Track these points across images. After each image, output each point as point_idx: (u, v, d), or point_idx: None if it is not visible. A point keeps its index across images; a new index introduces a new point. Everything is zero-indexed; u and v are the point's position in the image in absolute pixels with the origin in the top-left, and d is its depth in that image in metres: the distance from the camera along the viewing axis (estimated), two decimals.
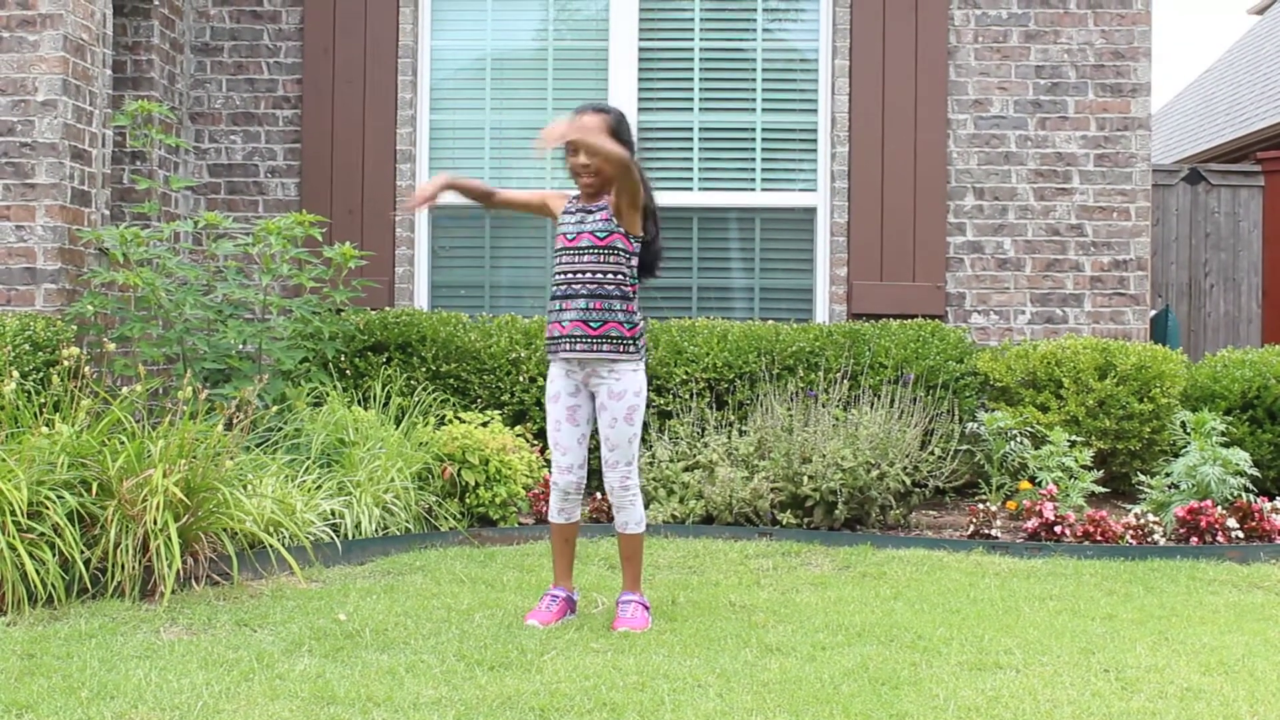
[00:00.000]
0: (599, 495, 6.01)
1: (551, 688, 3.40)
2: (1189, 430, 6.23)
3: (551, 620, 4.15)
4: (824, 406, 6.10)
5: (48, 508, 4.29)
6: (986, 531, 5.72)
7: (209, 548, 4.54)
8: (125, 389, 5.08)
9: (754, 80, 7.60)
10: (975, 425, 6.42)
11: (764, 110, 7.59)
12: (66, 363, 4.87)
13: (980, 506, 5.82)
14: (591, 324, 4.12)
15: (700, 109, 7.60)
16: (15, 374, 4.73)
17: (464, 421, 6.01)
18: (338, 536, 5.12)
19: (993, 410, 6.56)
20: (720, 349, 6.63)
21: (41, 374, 5.29)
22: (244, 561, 4.65)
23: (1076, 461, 6.05)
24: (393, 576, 4.82)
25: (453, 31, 7.66)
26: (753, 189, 7.59)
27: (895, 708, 3.28)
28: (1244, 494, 5.84)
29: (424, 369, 6.58)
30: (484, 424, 6.05)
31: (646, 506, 5.83)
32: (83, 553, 4.30)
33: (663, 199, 7.36)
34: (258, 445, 5.43)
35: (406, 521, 5.46)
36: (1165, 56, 43.34)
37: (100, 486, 4.48)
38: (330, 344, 6.27)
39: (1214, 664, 3.75)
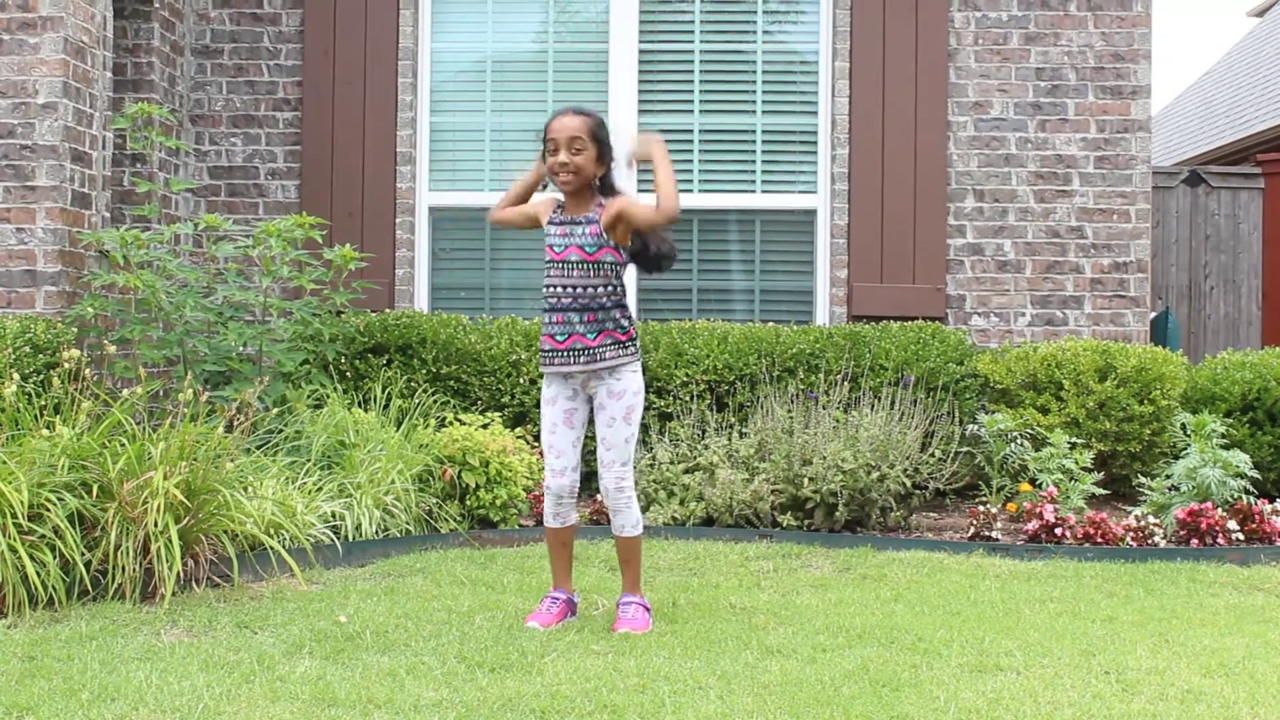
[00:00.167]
0: (598, 497, 6.01)
1: (552, 690, 3.40)
2: (1189, 432, 6.23)
3: (552, 622, 4.15)
4: (824, 408, 6.10)
5: (48, 510, 4.29)
6: (987, 533, 5.72)
7: (209, 550, 4.54)
8: (126, 391, 5.08)
9: (754, 82, 7.61)
10: (975, 427, 6.42)
11: (764, 112, 7.60)
12: (67, 365, 4.87)
13: (981, 508, 5.82)
14: (588, 336, 4.12)
15: (700, 111, 7.60)
16: (16, 376, 4.73)
17: (464, 423, 6.01)
18: (338, 538, 5.12)
19: (993, 412, 6.56)
20: (721, 351, 6.63)
21: (42, 376, 5.29)
22: (244, 563, 4.65)
23: (1077, 463, 6.05)
24: (393, 578, 4.82)
25: (453, 33, 7.67)
26: (753, 191, 7.59)
27: (896, 710, 3.28)
28: (1244, 496, 5.84)
29: (424, 371, 6.59)
30: (484, 426, 6.05)
31: (647, 508, 5.83)
32: (83, 555, 4.29)
33: None
34: (258, 447, 5.43)
35: (407, 523, 5.46)
36: (1165, 59, 43.37)
37: (101, 488, 4.48)
38: (331, 346, 6.27)
39: (1214, 666, 3.75)
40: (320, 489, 5.32)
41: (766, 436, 6.07)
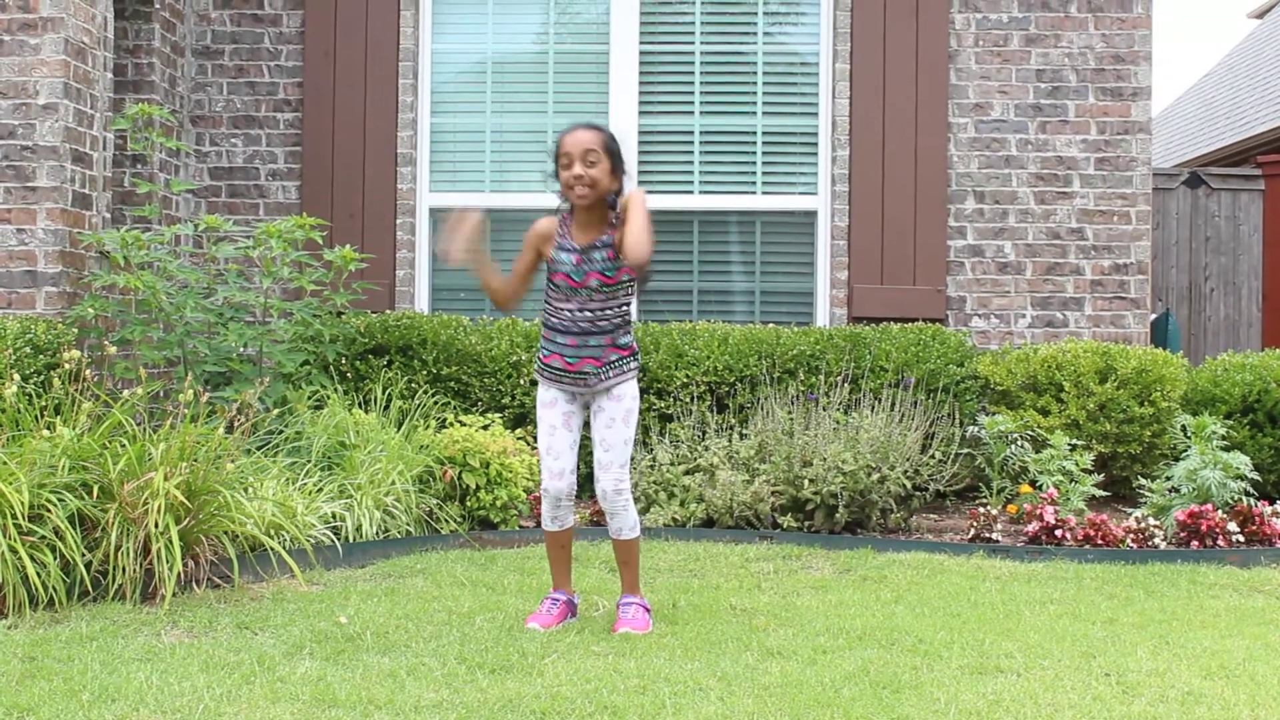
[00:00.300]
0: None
1: (553, 691, 3.40)
2: (1189, 434, 6.23)
3: (552, 623, 4.15)
4: (825, 410, 6.10)
5: (49, 510, 4.29)
6: (987, 535, 5.72)
7: (210, 550, 4.54)
8: (126, 392, 5.08)
9: (755, 84, 7.61)
10: (976, 429, 6.42)
11: (765, 114, 7.60)
12: (67, 366, 4.87)
13: (981, 510, 5.82)
14: (598, 356, 4.11)
15: (701, 112, 7.60)
16: (16, 377, 4.73)
17: (465, 424, 6.01)
18: (338, 539, 5.12)
19: (993, 414, 6.56)
20: (721, 352, 6.63)
21: (42, 377, 5.29)
22: (245, 564, 4.65)
23: (1077, 465, 6.05)
24: (394, 579, 4.82)
25: (454, 35, 7.67)
26: (753, 192, 7.59)
27: (896, 711, 3.28)
28: (1244, 498, 5.84)
29: (425, 372, 6.59)
30: (485, 427, 6.05)
31: (647, 510, 5.83)
32: (84, 555, 4.30)
33: (664, 202, 7.46)
34: (259, 448, 5.43)
35: (407, 524, 5.46)
36: (1166, 60, 43.38)
37: (101, 489, 4.48)
38: (331, 347, 6.27)
39: (1215, 668, 3.75)
40: (320, 490, 5.32)
41: (767, 438, 6.07)
